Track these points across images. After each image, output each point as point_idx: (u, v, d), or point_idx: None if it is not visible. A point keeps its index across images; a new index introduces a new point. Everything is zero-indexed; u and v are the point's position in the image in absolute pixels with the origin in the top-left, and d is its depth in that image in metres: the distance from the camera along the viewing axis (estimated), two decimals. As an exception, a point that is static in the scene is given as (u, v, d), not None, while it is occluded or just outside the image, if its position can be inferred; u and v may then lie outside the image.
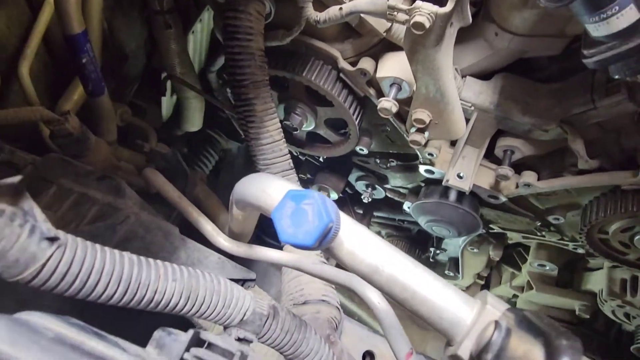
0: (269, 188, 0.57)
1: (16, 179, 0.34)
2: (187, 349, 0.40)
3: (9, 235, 0.34)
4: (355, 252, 0.51)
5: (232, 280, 0.79)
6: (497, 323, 0.42)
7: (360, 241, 0.52)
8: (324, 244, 0.46)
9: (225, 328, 0.49)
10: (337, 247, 0.52)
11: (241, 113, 0.94)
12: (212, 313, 0.47)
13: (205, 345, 0.41)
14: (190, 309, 0.45)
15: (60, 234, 0.37)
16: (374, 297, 0.60)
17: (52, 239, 0.36)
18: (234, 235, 0.83)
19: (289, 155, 0.98)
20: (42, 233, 0.36)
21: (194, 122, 1.51)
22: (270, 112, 0.95)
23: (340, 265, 0.60)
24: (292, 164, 0.99)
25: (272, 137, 0.96)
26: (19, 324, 0.32)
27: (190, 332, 0.41)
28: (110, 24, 1.19)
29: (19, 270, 0.35)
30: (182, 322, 0.68)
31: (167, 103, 1.47)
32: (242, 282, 0.80)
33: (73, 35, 0.88)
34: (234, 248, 0.80)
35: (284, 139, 0.98)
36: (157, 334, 0.40)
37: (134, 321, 0.53)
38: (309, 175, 1.51)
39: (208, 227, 0.80)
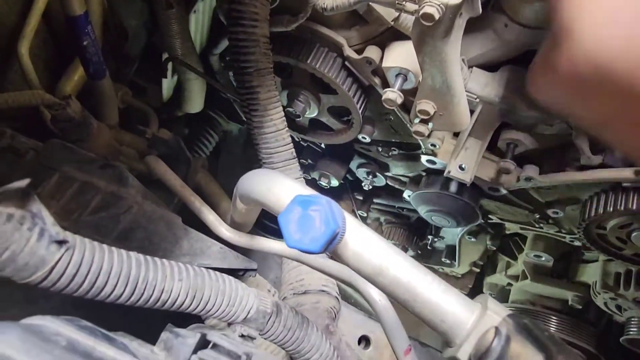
0: (276, 187, 0.57)
1: (24, 182, 0.34)
2: (195, 351, 0.41)
3: (18, 240, 0.34)
4: (360, 254, 0.52)
5: (233, 270, 0.80)
6: (497, 329, 0.43)
7: (365, 243, 0.53)
8: (330, 249, 0.47)
9: (229, 324, 0.50)
10: (341, 248, 0.52)
11: (244, 101, 0.93)
12: (217, 311, 0.47)
13: (211, 345, 0.42)
14: (196, 307, 0.46)
15: (69, 236, 0.38)
16: (375, 294, 0.60)
17: (61, 242, 0.36)
18: (235, 225, 0.83)
19: (291, 144, 0.98)
20: (50, 236, 0.36)
21: (195, 103, 1.49)
22: (274, 100, 0.94)
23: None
24: (294, 153, 0.99)
25: (276, 125, 0.95)
26: (32, 332, 0.32)
27: (197, 335, 0.41)
28: (110, 2, 1.17)
29: (29, 274, 0.35)
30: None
31: (167, 84, 1.44)
32: (243, 271, 0.81)
33: (74, 17, 0.86)
34: (235, 238, 0.80)
35: (287, 128, 0.97)
36: (165, 335, 0.41)
37: (140, 310, 0.54)
38: (310, 161, 1.50)
39: (210, 217, 0.80)
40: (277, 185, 0.57)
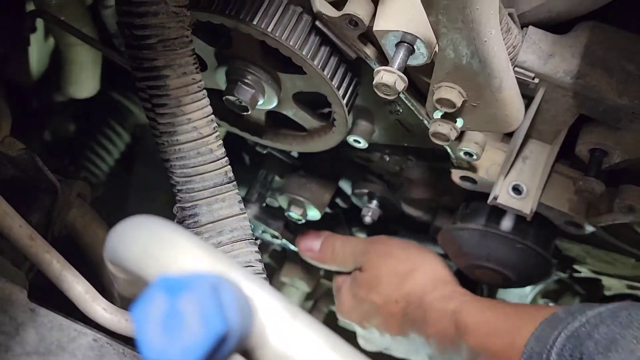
0: (157, 247, 0.57)
1: None
2: None
3: None
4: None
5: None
6: None
7: (298, 342, 0.53)
8: (218, 359, 0.47)
9: None
10: (258, 349, 0.53)
11: (144, 91, 0.94)
12: None
13: None
14: None
15: None
16: None
17: None
18: (124, 302, 0.84)
19: (225, 159, 0.99)
20: None
21: (85, 82, 1.53)
22: (193, 89, 0.95)
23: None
24: (230, 174, 1.00)
25: (197, 130, 0.96)
26: None
27: None
28: None
29: None
30: None
31: (38, 51, 1.47)
32: (135, 378, 0.81)
33: None
34: (120, 323, 0.80)
35: (216, 133, 0.98)
36: None
37: None
38: (276, 177, 1.51)
39: (78, 288, 0.81)
40: (161, 244, 0.57)
